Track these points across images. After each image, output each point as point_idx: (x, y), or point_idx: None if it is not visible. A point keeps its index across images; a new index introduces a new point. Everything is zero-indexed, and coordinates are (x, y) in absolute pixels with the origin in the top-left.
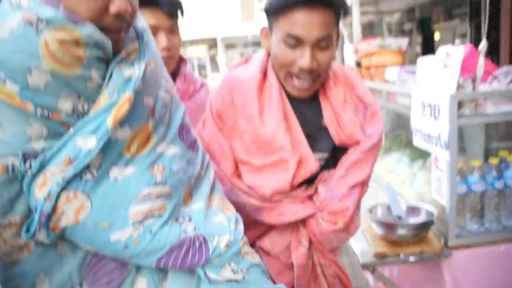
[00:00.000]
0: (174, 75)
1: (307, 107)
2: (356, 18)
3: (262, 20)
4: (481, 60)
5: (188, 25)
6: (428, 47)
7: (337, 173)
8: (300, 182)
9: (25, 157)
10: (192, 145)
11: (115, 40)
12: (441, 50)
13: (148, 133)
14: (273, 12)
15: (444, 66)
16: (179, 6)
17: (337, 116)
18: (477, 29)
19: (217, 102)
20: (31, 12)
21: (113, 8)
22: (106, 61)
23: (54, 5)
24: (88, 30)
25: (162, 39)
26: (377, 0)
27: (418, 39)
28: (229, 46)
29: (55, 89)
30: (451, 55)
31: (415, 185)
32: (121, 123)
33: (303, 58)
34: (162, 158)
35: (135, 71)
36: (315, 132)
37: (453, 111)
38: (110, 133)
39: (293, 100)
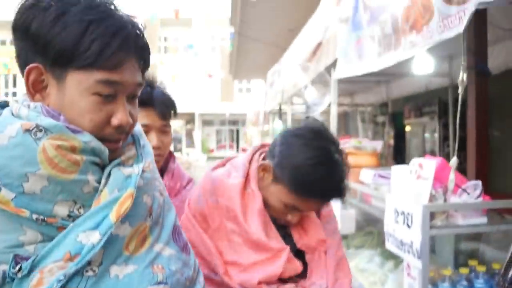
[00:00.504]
0: (162, 171)
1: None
2: (333, 115)
3: (239, 101)
4: (452, 175)
5: None
6: (400, 140)
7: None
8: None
9: (17, 260)
10: (184, 248)
11: (113, 148)
12: (415, 161)
13: (145, 233)
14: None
15: (417, 176)
16: (172, 107)
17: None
18: (444, 126)
19: (199, 203)
20: (31, 121)
21: (115, 122)
22: (102, 167)
23: (55, 117)
24: (86, 138)
25: (153, 138)
26: (352, 93)
27: (391, 131)
28: (206, 122)
29: (52, 195)
30: (424, 166)
31: (387, 287)
32: (123, 219)
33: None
34: (160, 258)
35: (134, 170)
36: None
37: (425, 222)
38: (113, 229)
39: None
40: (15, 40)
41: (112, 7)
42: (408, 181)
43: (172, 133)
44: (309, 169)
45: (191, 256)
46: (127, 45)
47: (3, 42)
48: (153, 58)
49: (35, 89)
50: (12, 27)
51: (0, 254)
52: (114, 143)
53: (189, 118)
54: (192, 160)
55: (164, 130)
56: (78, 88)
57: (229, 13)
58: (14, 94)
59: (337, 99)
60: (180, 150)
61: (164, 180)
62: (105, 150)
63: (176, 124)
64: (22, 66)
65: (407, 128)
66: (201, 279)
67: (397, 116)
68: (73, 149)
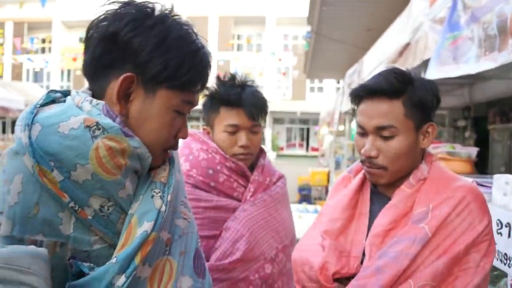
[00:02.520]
0: (252, 166)
1: None
2: None
3: (311, 100)
4: None
5: None
6: (483, 146)
7: None
8: None
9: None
10: (202, 272)
11: (162, 158)
12: None
13: (165, 268)
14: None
15: None
16: (262, 108)
17: None
18: None
19: None
20: (93, 117)
21: (181, 135)
22: (139, 176)
23: (112, 117)
24: (135, 144)
25: (242, 137)
26: None
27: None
28: (277, 120)
29: (91, 188)
30: None
31: None
32: (143, 261)
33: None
34: None
35: (162, 206)
36: None
37: None
38: (136, 270)
39: None
40: (99, 41)
41: (196, 36)
42: None
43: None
44: None
45: (206, 280)
46: (207, 75)
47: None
48: (227, 55)
49: (121, 95)
50: (101, 28)
51: (42, 223)
52: (167, 153)
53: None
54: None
55: (253, 130)
56: (165, 104)
57: (304, 12)
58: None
59: None
60: None
61: (253, 175)
62: (148, 158)
63: None
64: (98, 68)
65: (491, 134)
66: None
67: (481, 120)
68: (122, 152)
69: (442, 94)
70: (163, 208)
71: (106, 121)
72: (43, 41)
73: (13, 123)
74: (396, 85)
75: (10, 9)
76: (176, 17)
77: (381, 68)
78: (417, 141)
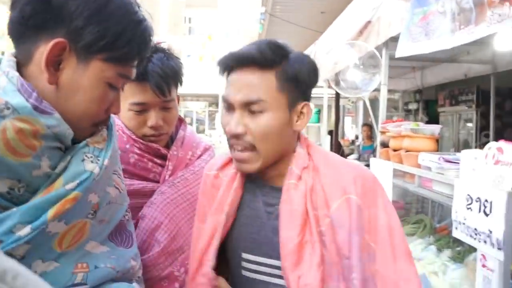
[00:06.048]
0: (171, 140)
1: None
2: (384, 96)
3: None
4: None
5: (192, 80)
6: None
7: None
8: None
9: None
10: (125, 241)
11: (91, 133)
12: (492, 145)
13: (84, 230)
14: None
15: (495, 162)
16: (173, 79)
17: None
18: (482, 115)
19: None
20: (2, 96)
21: (113, 110)
22: (65, 149)
23: (27, 94)
24: (52, 122)
25: (152, 117)
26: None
27: (424, 119)
28: None
29: None
30: (505, 151)
31: (448, 277)
32: (59, 218)
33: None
34: (89, 256)
35: (95, 168)
36: None
37: (510, 209)
38: (45, 226)
39: None
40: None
41: (138, 7)
42: (484, 166)
43: (194, 113)
44: None
45: (132, 249)
46: (146, 49)
47: None
48: (179, 40)
49: (50, 62)
50: None
51: None
52: (98, 127)
53: (212, 100)
54: (215, 141)
55: (165, 106)
56: (98, 75)
57: None
58: None
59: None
60: (203, 132)
61: (171, 150)
62: (69, 135)
63: (198, 106)
64: (27, 28)
65: (441, 117)
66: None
67: (431, 103)
68: (34, 134)
69: (395, 77)
70: (96, 170)
71: (17, 100)
72: None
73: None
74: (269, 54)
75: None
76: None
77: (340, 47)
78: (291, 122)
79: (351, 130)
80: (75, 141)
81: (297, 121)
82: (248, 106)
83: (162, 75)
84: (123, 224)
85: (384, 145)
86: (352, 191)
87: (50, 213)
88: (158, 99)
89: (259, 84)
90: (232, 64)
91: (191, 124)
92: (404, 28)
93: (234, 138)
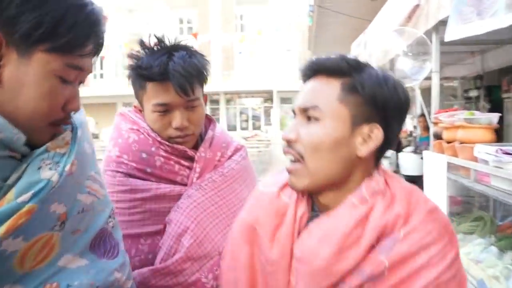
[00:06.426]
0: (202, 140)
1: None
2: (435, 84)
3: None
4: None
5: (246, 76)
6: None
7: None
8: None
9: None
10: (109, 252)
11: (50, 134)
12: None
13: (51, 244)
14: None
15: None
16: (197, 78)
17: None
18: None
19: None
20: None
21: (71, 107)
22: (22, 156)
23: None
24: None
25: (176, 118)
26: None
27: (486, 107)
28: (285, 100)
29: None
30: None
31: None
32: (15, 234)
33: None
34: (61, 273)
35: (54, 176)
36: None
37: None
38: None
39: None
40: None
41: None
42: None
43: (250, 110)
44: None
45: (116, 259)
46: (98, 35)
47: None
48: (230, 37)
49: None
50: None
51: None
52: (59, 127)
53: (267, 96)
54: (271, 137)
55: (190, 106)
56: (43, 68)
57: None
58: None
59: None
60: (259, 128)
61: (199, 152)
62: (18, 140)
63: (253, 103)
64: None
65: (506, 103)
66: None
67: (495, 89)
68: None
69: (452, 64)
70: (55, 178)
71: None
72: None
73: None
74: (339, 62)
75: None
76: None
77: (388, 35)
78: (351, 142)
79: (410, 121)
80: (36, 146)
81: (361, 145)
82: (306, 112)
83: (184, 74)
84: (106, 232)
85: (438, 136)
86: None
87: (2, 230)
88: (181, 99)
89: (320, 90)
90: (308, 72)
91: (247, 121)
92: (453, 9)
93: (287, 144)
